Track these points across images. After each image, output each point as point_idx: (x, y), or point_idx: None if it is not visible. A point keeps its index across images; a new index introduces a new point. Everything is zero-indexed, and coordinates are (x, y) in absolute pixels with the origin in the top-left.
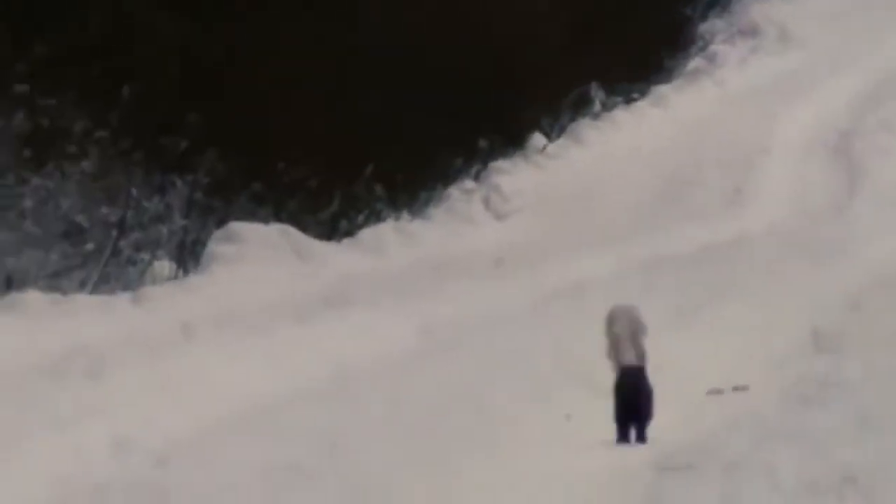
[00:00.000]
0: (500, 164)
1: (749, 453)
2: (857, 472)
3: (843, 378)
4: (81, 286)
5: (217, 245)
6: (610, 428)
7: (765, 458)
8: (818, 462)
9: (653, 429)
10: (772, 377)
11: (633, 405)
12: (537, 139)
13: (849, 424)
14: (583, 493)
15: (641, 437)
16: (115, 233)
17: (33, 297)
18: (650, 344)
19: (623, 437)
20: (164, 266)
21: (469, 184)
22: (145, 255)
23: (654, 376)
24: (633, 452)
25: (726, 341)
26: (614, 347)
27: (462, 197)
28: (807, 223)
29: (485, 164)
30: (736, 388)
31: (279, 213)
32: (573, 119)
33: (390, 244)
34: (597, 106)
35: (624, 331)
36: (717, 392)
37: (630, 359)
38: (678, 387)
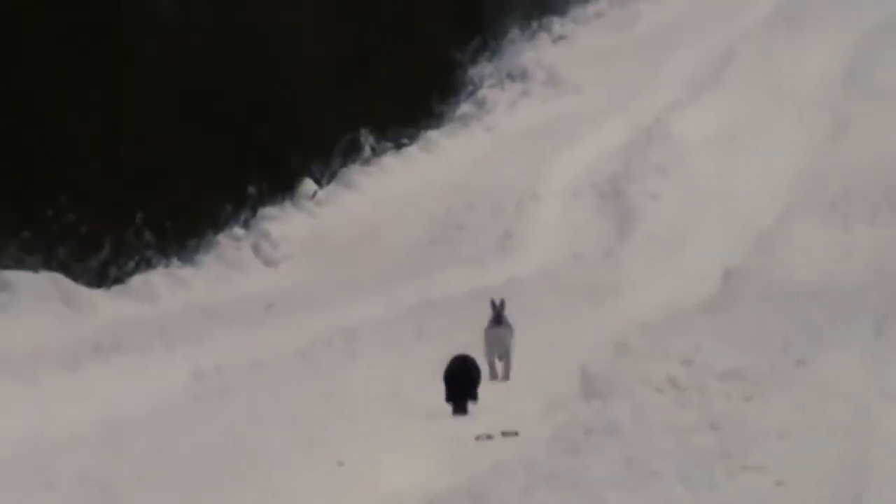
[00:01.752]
0: (270, 210)
1: (519, 499)
2: None
3: (611, 422)
4: None
5: None
6: (380, 472)
7: (535, 503)
8: None
9: (422, 475)
10: (541, 421)
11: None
12: (307, 185)
13: (618, 469)
14: None
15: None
16: None
17: None
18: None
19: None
20: None
21: (238, 231)
22: None
23: (426, 421)
24: (403, 497)
25: (495, 385)
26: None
27: (231, 244)
28: (576, 267)
29: (254, 210)
30: (505, 433)
31: (49, 261)
32: (343, 165)
33: (160, 291)
34: (367, 151)
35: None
36: (487, 437)
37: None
38: (449, 431)
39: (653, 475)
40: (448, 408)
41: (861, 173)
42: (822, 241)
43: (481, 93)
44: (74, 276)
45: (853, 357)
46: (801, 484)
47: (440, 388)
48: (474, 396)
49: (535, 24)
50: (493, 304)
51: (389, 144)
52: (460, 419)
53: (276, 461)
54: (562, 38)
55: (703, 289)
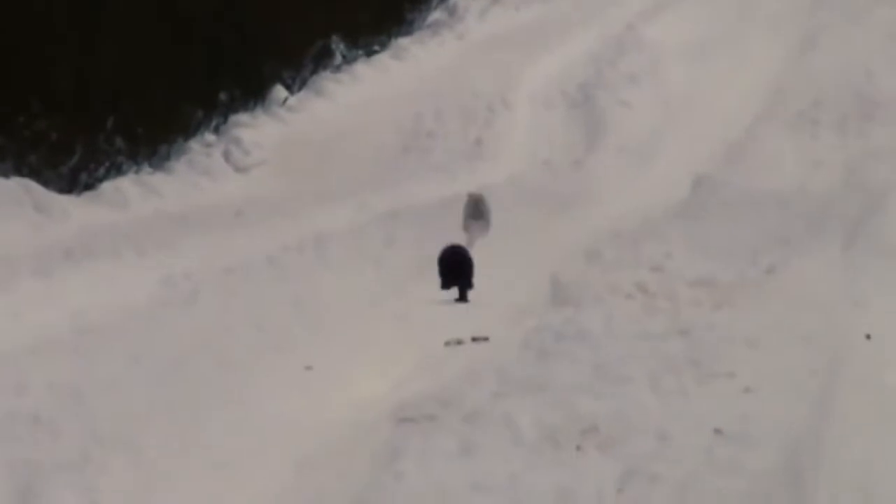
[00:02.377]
0: (241, 117)
1: (489, 404)
2: (598, 422)
3: (581, 329)
4: None
5: None
6: (349, 378)
7: (505, 409)
8: (558, 413)
9: (392, 380)
10: (512, 328)
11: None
12: (278, 92)
13: (588, 375)
14: (322, 445)
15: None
16: None
17: None
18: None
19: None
20: None
21: (209, 137)
22: None
23: (396, 328)
24: (372, 403)
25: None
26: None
27: (202, 150)
28: (547, 175)
29: (225, 117)
30: (475, 339)
31: (20, 167)
32: (314, 72)
33: (131, 197)
34: (338, 59)
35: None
36: (457, 342)
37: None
38: (418, 337)
39: (622, 381)
40: (436, 298)
41: (830, 84)
42: (792, 150)
43: (452, 0)
44: (45, 183)
45: (823, 265)
46: (770, 391)
47: (405, 294)
48: (470, 284)
49: None
50: (470, 197)
51: (360, 52)
52: (431, 323)
53: (245, 367)
54: None
55: (673, 197)
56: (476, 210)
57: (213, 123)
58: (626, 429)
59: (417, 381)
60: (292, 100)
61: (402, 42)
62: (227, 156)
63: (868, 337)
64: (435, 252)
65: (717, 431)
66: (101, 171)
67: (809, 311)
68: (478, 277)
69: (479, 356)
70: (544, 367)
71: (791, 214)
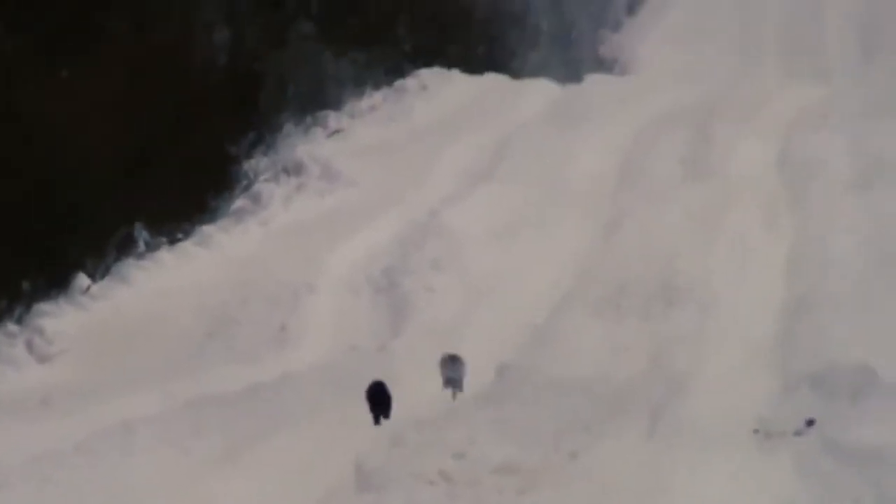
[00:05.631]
0: (43, 305)
1: None
2: None
3: None
4: None
5: None
6: None
7: None
8: None
9: None
10: None
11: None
12: (81, 280)
13: None
14: None
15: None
16: None
17: None
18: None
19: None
20: None
21: (12, 327)
22: None
23: None
24: None
25: (272, 480)
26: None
27: (5, 340)
28: (352, 360)
29: (28, 306)
30: None
31: None
32: (118, 259)
33: None
34: (141, 246)
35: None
36: None
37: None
38: None
39: None
40: None
41: (634, 268)
42: (596, 335)
43: (256, 187)
44: None
45: (627, 450)
46: None
47: (209, 485)
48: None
49: (309, 118)
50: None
51: (164, 239)
52: None
53: None
54: (337, 131)
55: (477, 382)
56: (452, 368)
57: (16, 313)
58: None
59: None
60: (95, 287)
61: (206, 229)
62: (29, 346)
63: None
64: (242, 438)
65: None
66: None
67: (614, 495)
68: (280, 466)
69: None
70: None
71: (594, 399)
